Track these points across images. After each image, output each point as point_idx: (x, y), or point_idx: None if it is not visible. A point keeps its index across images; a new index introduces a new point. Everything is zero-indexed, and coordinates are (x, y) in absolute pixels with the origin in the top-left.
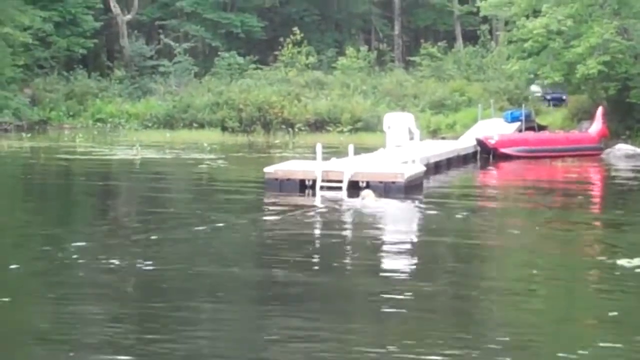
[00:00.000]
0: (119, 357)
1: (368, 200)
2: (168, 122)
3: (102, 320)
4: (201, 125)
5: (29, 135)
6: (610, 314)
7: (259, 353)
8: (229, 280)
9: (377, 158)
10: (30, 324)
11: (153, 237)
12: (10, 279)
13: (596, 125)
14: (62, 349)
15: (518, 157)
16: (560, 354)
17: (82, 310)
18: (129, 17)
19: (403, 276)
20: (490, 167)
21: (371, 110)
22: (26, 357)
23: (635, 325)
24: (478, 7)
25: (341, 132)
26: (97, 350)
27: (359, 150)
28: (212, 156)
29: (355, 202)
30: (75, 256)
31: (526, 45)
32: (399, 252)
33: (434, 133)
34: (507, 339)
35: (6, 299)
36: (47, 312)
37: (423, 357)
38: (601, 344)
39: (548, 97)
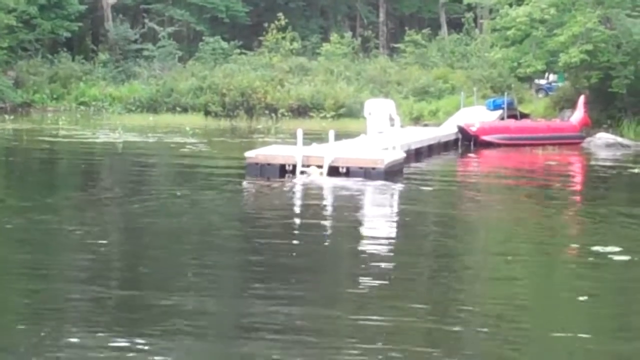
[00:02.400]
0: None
1: (313, 177)
2: (151, 106)
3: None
4: (184, 110)
5: (11, 117)
6: (580, 298)
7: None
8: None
9: (357, 144)
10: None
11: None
12: None
13: (578, 114)
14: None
15: (499, 145)
16: (529, 331)
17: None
18: (114, 0)
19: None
20: (470, 155)
21: (354, 97)
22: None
23: (603, 310)
24: None
25: (324, 118)
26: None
27: (340, 136)
28: (194, 140)
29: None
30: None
31: (509, 33)
32: (375, 230)
33: (417, 120)
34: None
35: None
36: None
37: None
38: (567, 327)
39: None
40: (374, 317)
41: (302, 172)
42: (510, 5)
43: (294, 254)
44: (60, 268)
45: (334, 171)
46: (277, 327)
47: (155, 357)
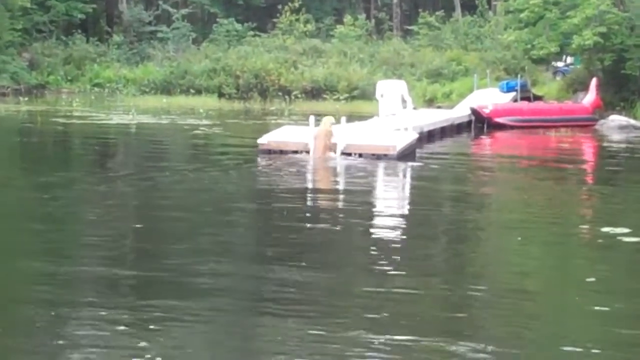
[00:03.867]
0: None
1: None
2: (165, 88)
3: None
4: (198, 92)
5: (26, 99)
6: (588, 279)
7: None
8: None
9: (370, 127)
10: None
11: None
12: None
13: (590, 96)
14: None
15: (512, 127)
16: (536, 312)
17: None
18: None
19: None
20: (483, 137)
21: (368, 79)
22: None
23: (610, 292)
24: None
25: (337, 100)
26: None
27: (353, 119)
28: (207, 122)
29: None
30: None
31: (522, 15)
32: (388, 211)
33: (430, 102)
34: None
35: None
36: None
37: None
38: (574, 309)
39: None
40: (387, 291)
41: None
42: None
43: (285, 212)
44: (76, 241)
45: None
46: (289, 297)
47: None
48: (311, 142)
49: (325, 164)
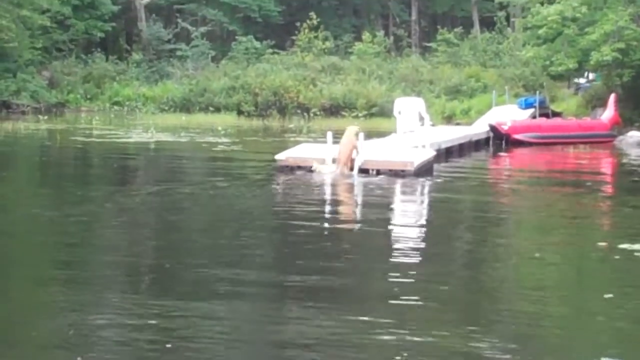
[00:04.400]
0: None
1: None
2: (184, 106)
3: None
4: (217, 109)
5: (45, 117)
6: (606, 296)
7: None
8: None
9: (387, 144)
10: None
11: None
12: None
13: (608, 112)
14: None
15: (530, 144)
16: (556, 331)
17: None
18: (147, 0)
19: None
20: (502, 153)
21: (386, 96)
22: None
23: (627, 308)
24: None
25: (356, 117)
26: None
27: (371, 136)
28: (226, 140)
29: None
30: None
31: (541, 31)
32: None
33: (449, 119)
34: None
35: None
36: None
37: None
38: (591, 326)
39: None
40: (405, 300)
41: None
42: (542, 3)
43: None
44: (98, 255)
45: (364, 174)
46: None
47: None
48: (329, 159)
49: (342, 179)
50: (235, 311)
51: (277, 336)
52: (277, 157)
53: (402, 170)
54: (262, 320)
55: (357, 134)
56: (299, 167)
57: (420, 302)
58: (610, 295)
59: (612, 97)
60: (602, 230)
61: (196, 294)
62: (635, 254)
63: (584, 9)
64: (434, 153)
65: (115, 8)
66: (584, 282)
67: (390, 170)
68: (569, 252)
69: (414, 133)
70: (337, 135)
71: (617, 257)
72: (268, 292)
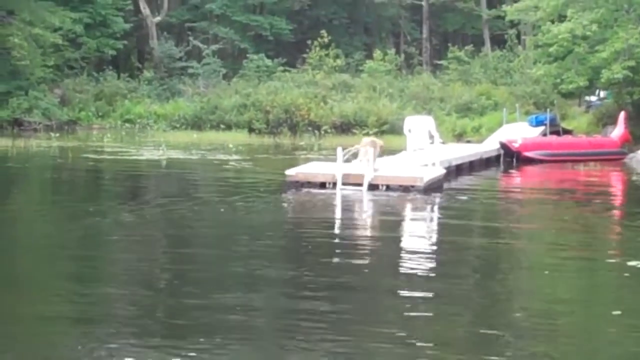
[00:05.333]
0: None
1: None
2: (196, 123)
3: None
4: (228, 127)
5: (57, 135)
6: (614, 312)
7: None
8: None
9: (398, 161)
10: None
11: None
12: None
13: (618, 130)
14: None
15: (541, 161)
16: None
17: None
18: (158, 18)
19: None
20: (512, 171)
21: (397, 113)
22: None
23: (636, 324)
24: (505, 12)
25: (367, 134)
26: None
27: (382, 153)
28: (237, 157)
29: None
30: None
31: (551, 49)
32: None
33: (460, 136)
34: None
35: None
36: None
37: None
38: (598, 343)
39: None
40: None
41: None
42: (553, 21)
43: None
44: (109, 270)
45: (373, 189)
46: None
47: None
48: (339, 175)
49: (353, 195)
50: (246, 340)
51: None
52: (287, 172)
53: (412, 186)
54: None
55: (375, 145)
56: (309, 183)
57: (431, 316)
58: (619, 312)
59: (622, 114)
60: (612, 247)
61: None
62: None
63: (594, 27)
64: (444, 171)
65: (127, 26)
66: (593, 299)
67: (400, 186)
68: (579, 269)
69: (424, 151)
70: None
71: (626, 274)
72: (279, 320)
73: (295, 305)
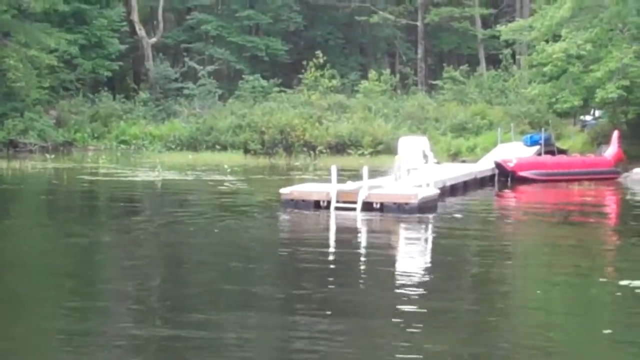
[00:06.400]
0: None
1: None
2: (191, 144)
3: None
4: (224, 148)
5: (52, 156)
6: (605, 331)
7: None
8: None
9: (391, 181)
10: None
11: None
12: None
13: (612, 149)
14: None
15: (535, 181)
16: None
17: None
18: (154, 39)
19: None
20: (507, 190)
21: (392, 134)
22: None
23: (626, 343)
24: (500, 31)
25: (362, 154)
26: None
27: (376, 174)
28: (232, 178)
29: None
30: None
31: (546, 69)
32: (412, 267)
33: (455, 156)
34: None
35: None
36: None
37: None
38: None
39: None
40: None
41: (335, 208)
42: (547, 41)
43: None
44: (101, 295)
45: (368, 207)
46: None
47: None
48: (333, 193)
49: (347, 214)
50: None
51: None
52: (281, 191)
53: (406, 204)
54: None
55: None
56: (304, 202)
57: (425, 332)
58: (610, 331)
59: (616, 134)
60: (605, 266)
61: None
62: (636, 290)
63: (588, 47)
64: (438, 191)
65: (123, 47)
66: (584, 318)
67: (394, 204)
68: (571, 288)
69: (417, 171)
70: (342, 172)
71: (618, 293)
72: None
73: (289, 324)
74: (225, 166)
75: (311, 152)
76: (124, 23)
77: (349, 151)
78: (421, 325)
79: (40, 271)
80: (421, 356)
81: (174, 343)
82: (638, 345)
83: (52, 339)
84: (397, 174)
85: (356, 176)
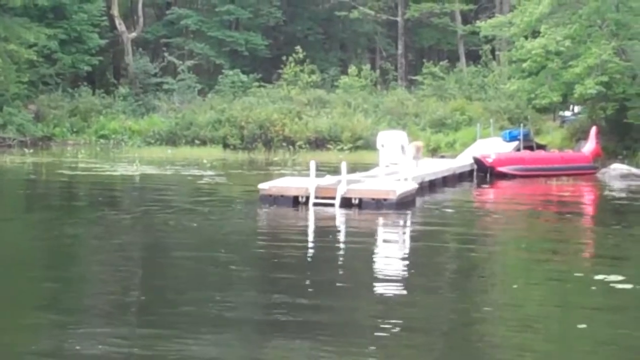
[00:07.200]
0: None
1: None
2: (170, 139)
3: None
4: (203, 142)
5: (31, 151)
6: (579, 326)
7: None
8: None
9: (370, 175)
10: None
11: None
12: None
13: (590, 145)
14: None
15: (514, 176)
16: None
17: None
18: (134, 34)
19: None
20: (485, 186)
21: (372, 129)
22: None
23: (599, 338)
24: (480, 27)
25: (341, 150)
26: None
27: (356, 168)
28: (211, 173)
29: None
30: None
31: (525, 65)
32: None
33: (434, 152)
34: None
35: None
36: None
37: None
38: (566, 355)
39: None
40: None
41: (314, 204)
42: (526, 37)
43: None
44: (82, 283)
45: (346, 202)
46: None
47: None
48: (312, 189)
49: (325, 210)
50: (220, 345)
51: None
52: (260, 186)
53: (385, 199)
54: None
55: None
56: (282, 197)
57: (403, 332)
58: (584, 326)
59: (594, 129)
60: (581, 261)
61: (179, 324)
62: (611, 284)
63: (567, 43)
64: (416, 186)
65: (102, 42)
66: (560, 313)
67: (372, 199)
68: (548, 283)
69: (396, 166)
70: (321, 167)
71: (593, 287)
72: (251, 325)
73: (262, 327)
74: (205, 161)
75: (290, 147)
76: (104, 18)
77: (328, 146)
78: (399, 320)
79: (13, 264)
80: (399, 348)
81: (148, 337)
82: (612, 340)
83: (22, 330)
84: (415, 159)
85: (335, 171)
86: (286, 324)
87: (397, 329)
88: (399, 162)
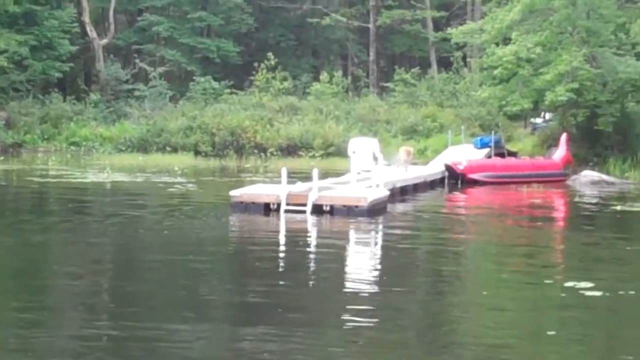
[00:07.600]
0: None
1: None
2: (142, 146)
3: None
4: (174, 149)
5: (1, 158)
6: (549, 332)
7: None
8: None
9: (341, 183)
10: None
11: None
12: None
13: (560, 152)
14: None
15: (485, 183)
16: None
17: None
18: (105, 41)
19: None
20: (456, 192)
21: (343, 136)
22: None
23: (568, 343)
24: (451, 34)
25: (313, 157)
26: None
27: (327, 175)
28: (182, 180)
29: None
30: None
31: (496, 72)
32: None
33: None
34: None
35: None
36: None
37: None
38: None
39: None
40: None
41: (285, 211)
42: (497, 44)
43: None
44: (49, 298)
45: (317, 209)
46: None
47: None
48: (283, 196)
49: (296, 217)
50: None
51: None
52: (231, 193)
53: (356, 206)
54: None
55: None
56: (253, 204)
57: (376, 333)
58: (553, 333)
59: (564, 136)
60: (551, 268)
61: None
62: (580, 292)
63: (538, 50)
64: (387, 192)
65: (74, 48)
66: (529, 319)
67: (344, 206)
68: (518, 289)
69: (367, 172)
70: (293, 174)
71: (563, 295)
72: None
73: (237, 330)
74: (176, 168)
75: (262, 154)
76: (75, 24)
77: (300, 153)
78: (371, 324)
79: None
80: (370, 353)
81: (120, 342)
82: (580, 345)
83: None
84: (402, 165)
85: (307, 178)
86: (258, 323)
87: (369, 326)
88: (370, 169)
